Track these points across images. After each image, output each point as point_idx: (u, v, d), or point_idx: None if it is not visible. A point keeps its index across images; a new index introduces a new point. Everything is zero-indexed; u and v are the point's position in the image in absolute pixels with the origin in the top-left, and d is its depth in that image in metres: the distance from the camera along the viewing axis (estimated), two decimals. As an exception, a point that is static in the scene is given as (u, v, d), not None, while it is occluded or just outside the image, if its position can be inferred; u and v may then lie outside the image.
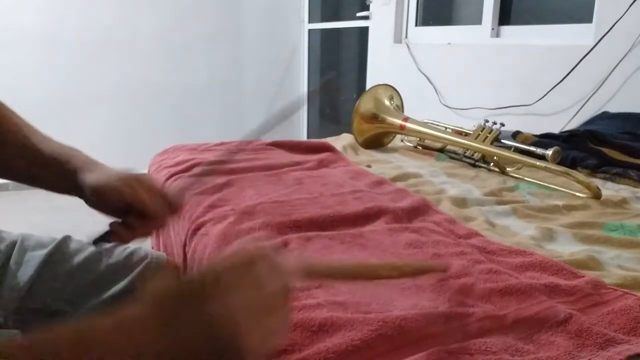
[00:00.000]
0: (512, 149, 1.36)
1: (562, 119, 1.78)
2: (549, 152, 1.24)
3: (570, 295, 0.65)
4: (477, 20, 2.24)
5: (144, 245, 0.94)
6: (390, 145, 1.68)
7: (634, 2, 1.55)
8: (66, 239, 0.86)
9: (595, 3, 1.70)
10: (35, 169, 0.69)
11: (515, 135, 1.51)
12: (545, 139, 1.47)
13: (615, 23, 1.59)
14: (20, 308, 0.76)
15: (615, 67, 1.62)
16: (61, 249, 0.83)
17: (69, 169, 0.67)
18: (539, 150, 1.27)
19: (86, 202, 0.67)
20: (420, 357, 0.51)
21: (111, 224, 0.65)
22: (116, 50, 3.17)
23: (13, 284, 0.77)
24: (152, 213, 0.64)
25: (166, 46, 3.29)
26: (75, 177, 0.66)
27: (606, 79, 1.65)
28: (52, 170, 0.68)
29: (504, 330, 0.57)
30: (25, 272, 0.77)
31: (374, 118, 1.59)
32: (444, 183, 1.22)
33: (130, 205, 0.64)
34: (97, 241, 0.65)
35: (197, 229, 0.89)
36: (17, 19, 2.93)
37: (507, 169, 1.33)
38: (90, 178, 0.65)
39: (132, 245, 0.90)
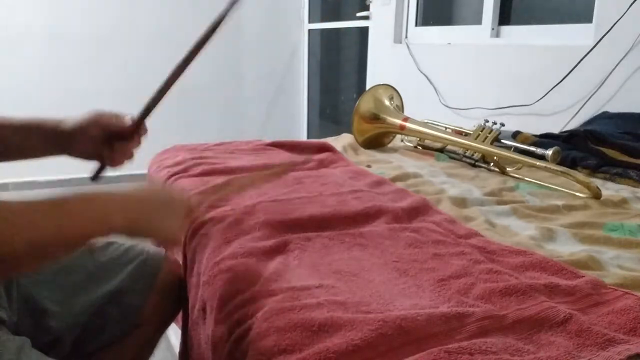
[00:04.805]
0: (512, 149, 1.36)
1: (562, 119, 1.78)
2: (549, 152, 1.24)
3: (570, 295, 0.65)
4: (477, 20, 2.24)
5: (142, 243, 0.94)
6: (390, 145, 1.68)
7: (634, 2, 1.55)
8: None
9: (595, 3, 1.70)
10: (10, 137, 0.77)
11: (515, 135, 1.51)
12: (545, 139, 1.47)
13: (615, 23, 1.59)
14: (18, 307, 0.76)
15: (615, 67, 1.62)
16: None
17: (45, 128, 0.79)
18: (539, 150, 1.27)
19: (70, 152, 0.81)
20: (420, 357, 0.51)
21: (99, 157, 0.82)
22: (117, 50, 3.17)
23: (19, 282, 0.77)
24: (128, 132, 0.81)
25: (166, 46, 3.29)
26: (52, 132, 0.79)
27: (606, 79, 1.65)
28: (26, 134, 0.78)
29: (504, 330, 0.57)
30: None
31: (374, 118, 1.59)
32: (444, 183, 1.22)
33: (108, 130, 0.80)
34: (95, 176, 0.76)
35: (197, 229, 0.89)
36: (18, 18, 2.93)
37: (507, 169, 1.33)
38: (71, 122, 0.79)
39: (127, 243, 0.91)
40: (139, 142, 0.83)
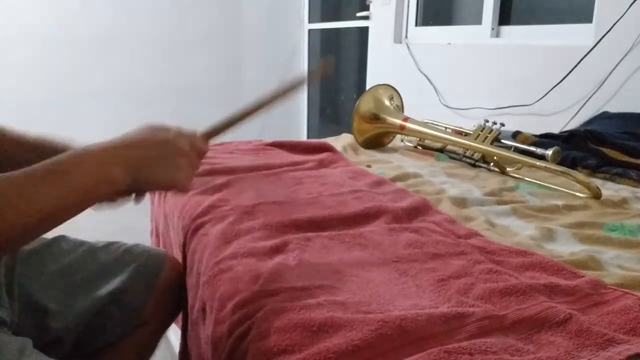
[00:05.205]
0: (512, 149, 1.36)
1: (562, 119, 1.78)
2: (549, 152, 1.24)
3: (570, 295, 0.65)
4: (477, 20, 2.24)
5: (142, 243, 0.94)
6: (390, 145, 1.68)
7: (634, 2, 1.55)
8: (58, 239, 0.86)
9: (595, 3, 1.70)
10: (23, 155, 0.74)
11: (515, 135, 1.51)
12: (545, 139, 1.47)
13: (615, 23, 1.59)
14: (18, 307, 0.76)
15: (615, 67, 1.62)
16: (51, 248, 0.83)
17: (56, 147, 0.74)
18: (539, 150, 1.27)
19: None
20: (420, 357, 0.51)
21: None
22: (116, 50, 3.17)
23: (20, 282, 0.77)
24: None
25: (166, 46, 3.29)
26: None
27: (606, 79, 1.65)
28: (39, 153, 0.74)
29: (504, 330, 0.57)
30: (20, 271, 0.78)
31: (374, 118, 1.59)
32: (444, 183, 1.22)
33: None
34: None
35: (197, 229, 0.89)
36: (18, 18, 2.93)
37: (507, 169, 1.33)
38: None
39: (128, 243, 0.91)
40: None
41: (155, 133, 0.62)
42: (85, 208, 0.54)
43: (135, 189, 0.59)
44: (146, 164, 0.58)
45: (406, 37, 2.69)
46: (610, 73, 1.63)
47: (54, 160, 0.52)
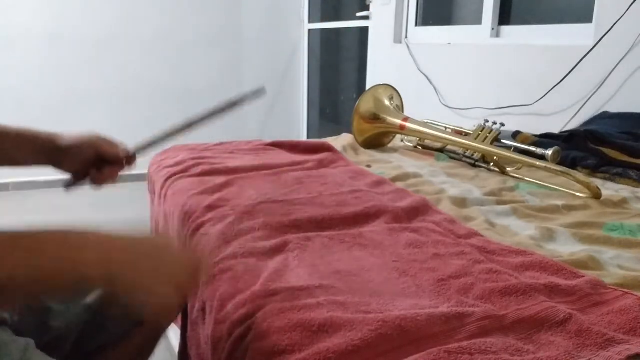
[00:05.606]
0: (512, 149, 1.36)
1: (562, 119, 1.78)
2: (549, 152, 1.24)
3: (570, 295, 0.65)
4: (477, 20, 2.24)
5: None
6: (390, 145, 1.68)
7: (634, 2, 1.55)
8: None
9: (595, 3, 1.70)
10: (5, 147, 0.77)
11: (515, 135, 1.51)
12: (545, 139, 1.47)
13: (615, 23, 1.59)
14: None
15: (615, 67, 1.62)
16: None
17: (39, 140, 0.79)
18: (539, 150, 1.27)
19: (59, 166, 0.81)
20: (420, 357, 0.51)
21: (84, 174, 0.83)
22: (116, 50, 3.17)
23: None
24: (119, 160, 0.84)
25: (166, 46, 3.29)
26: (47, 146, 0.79)
27: (606, 79, 1.65)
28: (23, 146, 0.78)
29: (504, 330, 0.57)
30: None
31: (374, 118, 1.59)
32: (444, 183, 1.22)
33: (101, 155, 0.82)
34: (70, 187, 0.80)
35: (197, 229, 0.89)
36: (18, 18, 2.93)
37: (507, 169, 1.33)
38: (66, 139, 0.80)
39: None
40: (124, 169, 0.87)
41: (158, 246, 0.58)
42: (51, 289, 0.51)
43: (109, 289, 0.56)
44: (128, 273, 0.53)
45: (406, 37, 2.69)
46: (610, 73, 1.63)
47: (46, 231, 0.49)
